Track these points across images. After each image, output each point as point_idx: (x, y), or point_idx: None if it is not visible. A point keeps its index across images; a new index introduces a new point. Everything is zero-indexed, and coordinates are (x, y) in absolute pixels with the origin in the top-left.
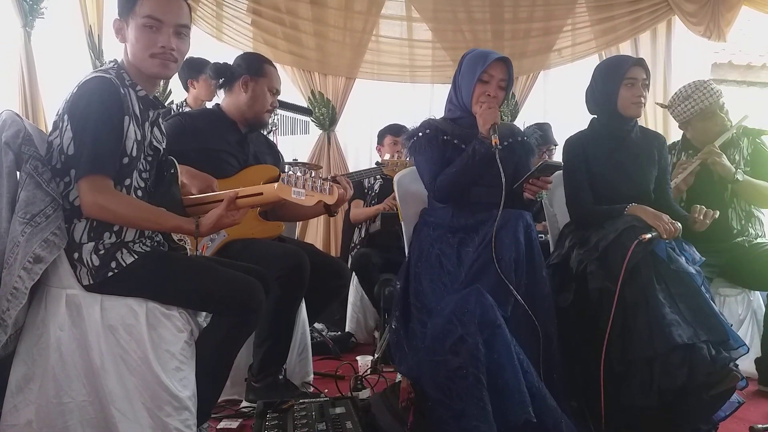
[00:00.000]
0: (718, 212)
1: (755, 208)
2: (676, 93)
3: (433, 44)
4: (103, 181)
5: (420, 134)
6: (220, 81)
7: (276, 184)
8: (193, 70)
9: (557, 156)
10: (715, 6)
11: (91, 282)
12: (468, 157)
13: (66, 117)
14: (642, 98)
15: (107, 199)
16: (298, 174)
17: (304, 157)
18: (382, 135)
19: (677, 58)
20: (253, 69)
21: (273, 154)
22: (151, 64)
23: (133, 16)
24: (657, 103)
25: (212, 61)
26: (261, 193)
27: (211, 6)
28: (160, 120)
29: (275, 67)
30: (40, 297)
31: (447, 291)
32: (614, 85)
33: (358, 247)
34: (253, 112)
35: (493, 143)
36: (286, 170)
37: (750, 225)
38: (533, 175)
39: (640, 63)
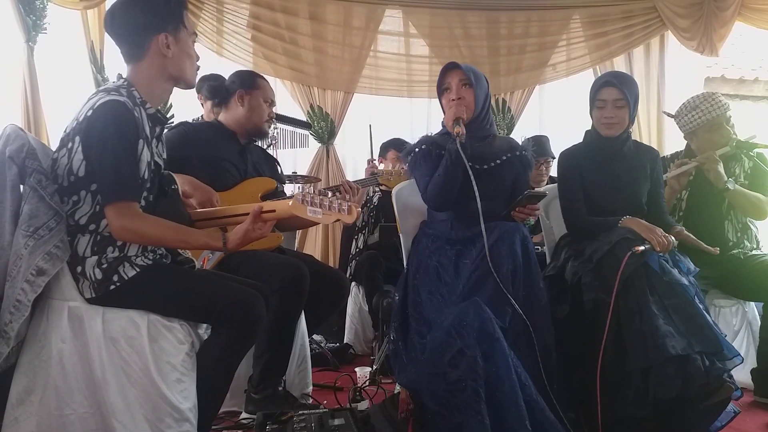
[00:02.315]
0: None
1: (750, 221)
2: (683, 103)
3: (430, 60)
4: (129, 206)
5: (417, 150)
6: (216, 100)
7: (290, 202)
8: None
9: (554, 168)
10: (708, 21)
11: (94, 295)
12: (446, 159)
13: (78, 139)
14: (612, 119)
15: (135, 222)
16: (313, 193)
17: (303, 170)
18: (385, 148)
19: (670, 73)
20: (246, 83)
21: (270, 165)
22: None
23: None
24: (664, 112)
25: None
26: (274, 210)
27: (212, 21)
28: (163, 134)
29: (267, 81)
30: (42, 309)
31: (445, 303)
32: (590, 105)
33: (356, 258)
34: (252, 122)
35: (455, 133)
36: (299, 189)
37: (746, 237)
38: (521, 203)
39: (610, 83)
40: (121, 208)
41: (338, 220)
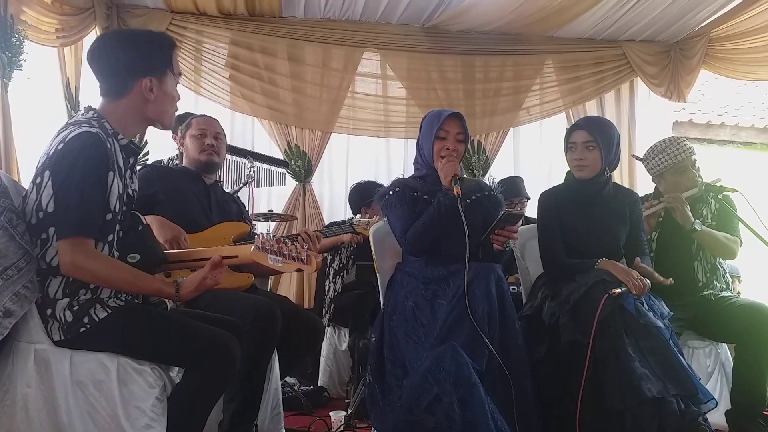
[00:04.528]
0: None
1: (719, 262)
2: (651, 147)
3: (407, 101)
4: (85, 243)
5: (390, 192)
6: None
7: (251, 248)
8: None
9: (529, 209)
10: (675, 69)
11: (62, 338)
12: (434, 210)
13: (47, 173)
14: (582, 161)
15: (87, 260)
16: (273, 241)
17: (279, 208)
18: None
19: (641, 117)
20: (183, 128)
21: (238, 204)
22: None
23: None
24: (633, 155)
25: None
26: (236, 256)
27: (190, 60)
28: (136, 166)
29: (204, 116)
30: (8, 352)
31: (421, 344)
32: (564, 149)
33: (332, 297)
34: (190, 158)
35: (456, 193)
36: (258, 235)
37: (714, 277)
38: (498, 226)
39: (579, 126)
40: (77, 243)
41: (300, 270)
